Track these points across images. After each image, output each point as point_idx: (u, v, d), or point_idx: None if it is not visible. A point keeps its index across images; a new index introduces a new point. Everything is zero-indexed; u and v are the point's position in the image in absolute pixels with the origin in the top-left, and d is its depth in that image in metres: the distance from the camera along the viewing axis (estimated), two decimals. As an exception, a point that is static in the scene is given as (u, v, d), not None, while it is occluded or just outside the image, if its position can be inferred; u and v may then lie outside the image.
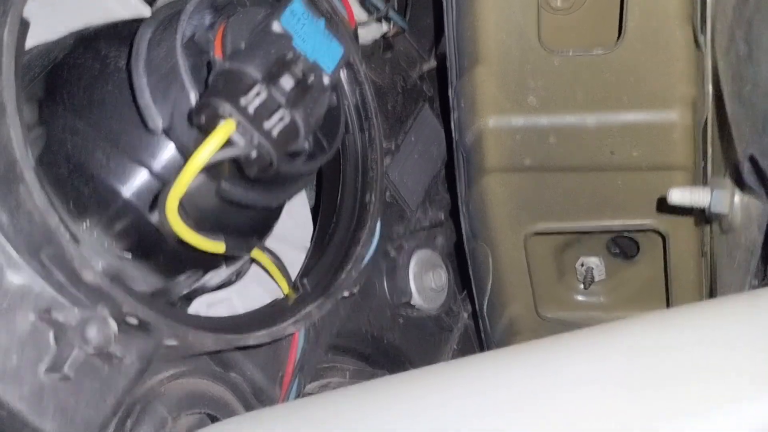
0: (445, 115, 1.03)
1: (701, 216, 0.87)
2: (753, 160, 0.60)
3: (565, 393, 0.48)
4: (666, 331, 0.50)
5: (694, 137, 0.86)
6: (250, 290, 0.86)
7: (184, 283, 0.75)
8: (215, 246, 0.68)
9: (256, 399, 0.77)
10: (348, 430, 0.52)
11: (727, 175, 0.77)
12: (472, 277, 1.02)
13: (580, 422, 0.47)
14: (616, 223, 0.96)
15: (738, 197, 0.72)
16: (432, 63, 1.06)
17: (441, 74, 1.02)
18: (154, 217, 0.69)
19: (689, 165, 0.87)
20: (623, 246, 1.07)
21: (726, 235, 0.79)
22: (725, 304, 0.52)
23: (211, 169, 0.63)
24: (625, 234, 1.03)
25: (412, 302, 0.99)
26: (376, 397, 0.54)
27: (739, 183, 0.71)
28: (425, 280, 1.00)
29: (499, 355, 0.56)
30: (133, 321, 0.63)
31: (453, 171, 0.97)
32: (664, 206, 0.86)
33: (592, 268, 1.06)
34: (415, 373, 0.55)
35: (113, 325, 0.62)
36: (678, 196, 0.76)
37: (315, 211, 0.94)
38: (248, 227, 0.75)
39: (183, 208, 0.63)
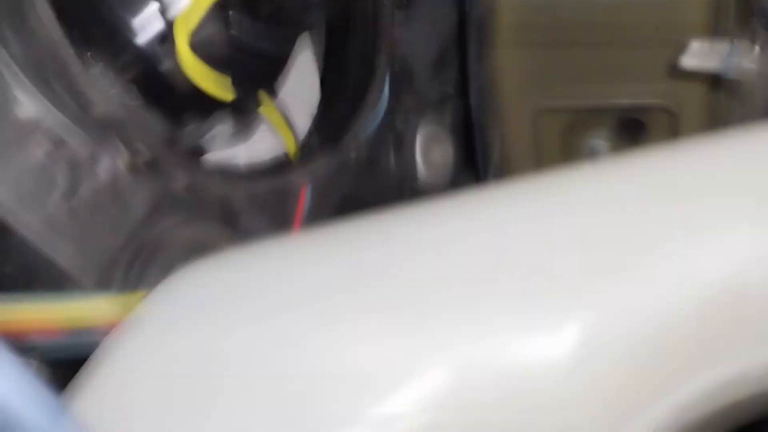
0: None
1: (712, 86, 0.86)
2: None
3: (567, 215, 0.49)
4: (671, 159, 0.50)
5: (710, 8, 0.85)
6: (257, 149, 0.86)
7: (191, 134, 0.76)
8: (224, 89, 0.68)
9: (263, 252, 0.78)
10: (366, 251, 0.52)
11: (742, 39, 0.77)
12: (478, 153, 1.02)
13: (583, 241, 0.47)
14: (626, 100, 0.96)
15: (751, 58, 0.72)
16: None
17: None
18: (165, 64, 0.69)
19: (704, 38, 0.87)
20: (631, 128, 1.07)
21: (738, 101, 0.79)
22: (734, 137, 0.52)
23: (222, 5, 0.63)
24: (633, 115, 1.03)
25: (417, 176, 0.99)
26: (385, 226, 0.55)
27: (755, 37, 0.71)
28: (431, 155, 1.00)
29: (505, 186, 0.57)
30: (144, 158, 0.63)
31: (463, 46, 0.96)
32: (675, 76, 0.86)
33: (599, 150, 1.06)
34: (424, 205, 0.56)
35: (124, 160, 0.63)
36: (691, 60, 0.75)
37: (323, 82, 0.94)
38: (256, 77, 0.75)
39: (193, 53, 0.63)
